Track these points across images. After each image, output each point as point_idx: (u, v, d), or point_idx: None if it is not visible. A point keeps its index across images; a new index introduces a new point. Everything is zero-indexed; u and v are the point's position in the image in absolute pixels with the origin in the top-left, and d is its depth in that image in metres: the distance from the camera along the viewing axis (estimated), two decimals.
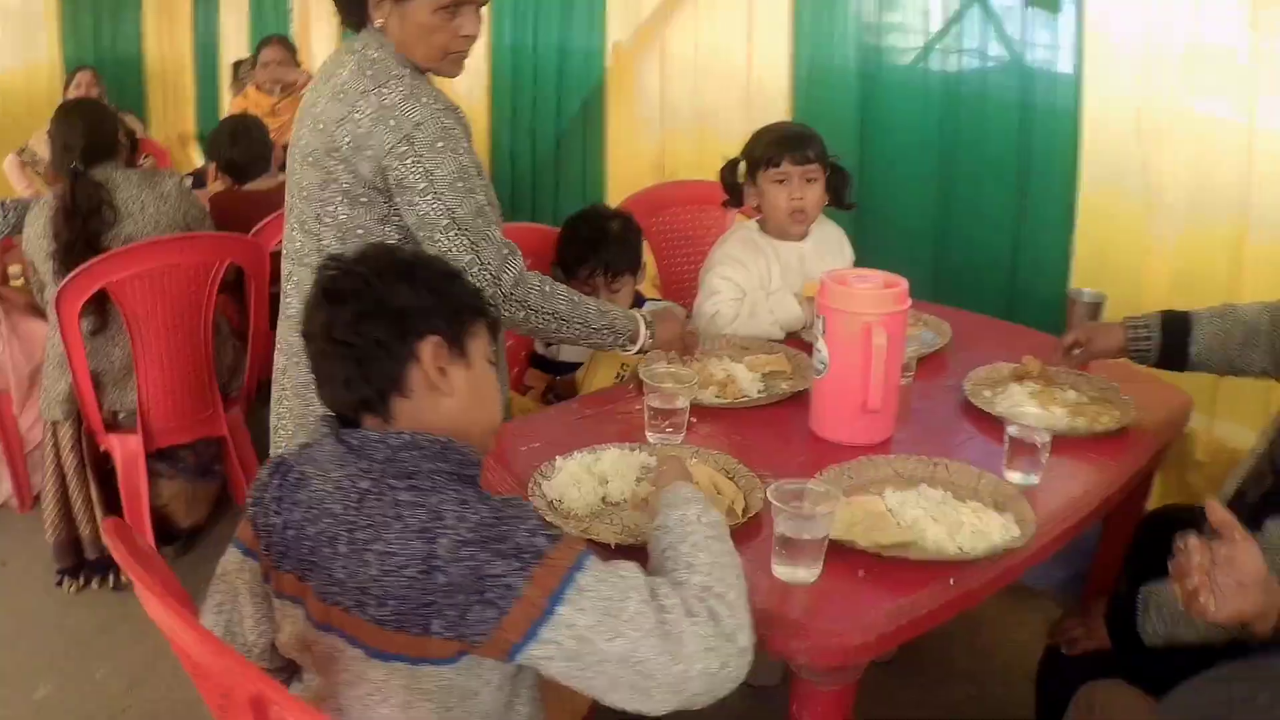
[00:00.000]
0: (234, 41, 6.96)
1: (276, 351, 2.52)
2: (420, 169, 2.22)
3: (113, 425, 3.49)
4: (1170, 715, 1.73)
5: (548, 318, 2.38)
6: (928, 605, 1.77)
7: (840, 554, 1.83)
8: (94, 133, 3.52)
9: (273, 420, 2.52)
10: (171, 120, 7.64)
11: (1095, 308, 2.78)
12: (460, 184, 2.25)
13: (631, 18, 4.75)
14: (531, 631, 1.44)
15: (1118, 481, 2.23)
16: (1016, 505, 2.00)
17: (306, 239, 2.39)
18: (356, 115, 2.24)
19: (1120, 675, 2.00)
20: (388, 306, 1.61)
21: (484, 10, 2.36)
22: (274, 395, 2.52)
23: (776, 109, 4.14)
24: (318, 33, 6.35)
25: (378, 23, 2.31)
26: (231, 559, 1.75)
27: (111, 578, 3.53)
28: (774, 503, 1.77)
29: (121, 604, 3.44)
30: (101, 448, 3.52)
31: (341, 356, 1.61)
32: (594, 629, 1.44)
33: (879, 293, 2.27)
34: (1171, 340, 2.48)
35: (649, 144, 4.84)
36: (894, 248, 2.91)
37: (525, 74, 5.23)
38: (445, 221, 2.25)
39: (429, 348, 1.62)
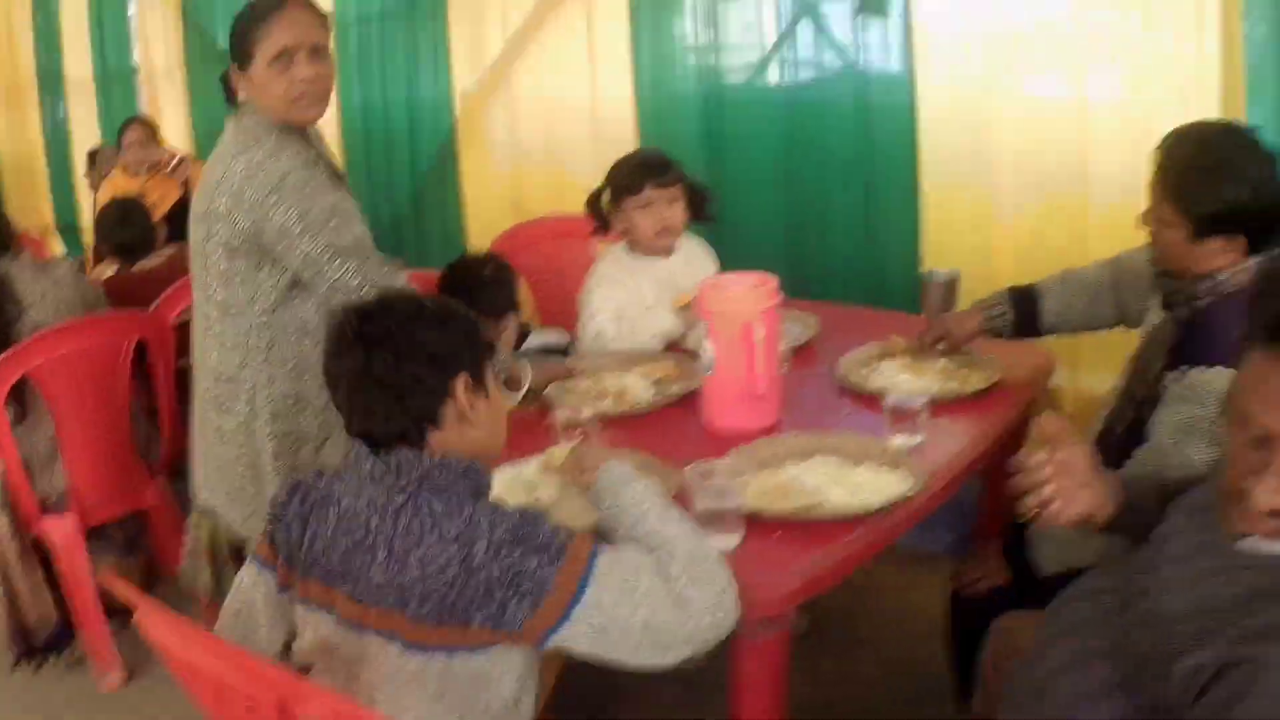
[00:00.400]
0: (85, 130, 6.94)
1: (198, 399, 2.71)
2: (294, 214, 2.41)
3: (44, 509, 3.49)
4: (1051, 629, 1.87)
5: None
6: (841, 554, 1.97)
7: (756, 522, 2.00)
8: None
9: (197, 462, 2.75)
10: (27, 212, 7.55)
11: (950, 285, 2.93)
12: (333, 220, 2.44)
13: (476, 66, 4.86)
14: (565, 615, 1.67)
15: (993, 433, 2.44)
16: (906, 462, 2.18)
17: (198, 289, 2.61)
18: (231, 175, 2.46)
19: (1023, 606, 2.18)
20: (424, 349, 1.79)
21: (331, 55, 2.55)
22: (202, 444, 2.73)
23: (624, 138, 4.29)
24: (168, 117, 6.36)
25: (241, 96, 2.55)
26: (247, 573, 1.94)
27: (65, 654, 3.56)
28: (693, 481, 1.92)
29: (82, 676, 3.50)
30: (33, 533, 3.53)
31: (381, 394, 1.78)
32: (617, 605, 1.68)
33: (753, 291, 2.46)
34: (1023, 312, 2.71)
35: (504, 186, 4.95)
36: (753, 253, 3.08)
37: (377, 131, 5.30)
38: (328, 255, 2.43)
39: (461, 384, 1.81)
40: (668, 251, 3.16)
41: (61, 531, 3.47)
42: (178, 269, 3.88)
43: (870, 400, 2.56)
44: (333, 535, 1.78)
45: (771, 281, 2.47)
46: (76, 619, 3.48)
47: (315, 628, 1.82)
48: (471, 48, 4.89)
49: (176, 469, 3.74)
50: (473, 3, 4.83)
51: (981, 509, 2.93)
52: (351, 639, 1.77)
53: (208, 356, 2.65)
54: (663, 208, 3.07)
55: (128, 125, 5.72)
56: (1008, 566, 2.40)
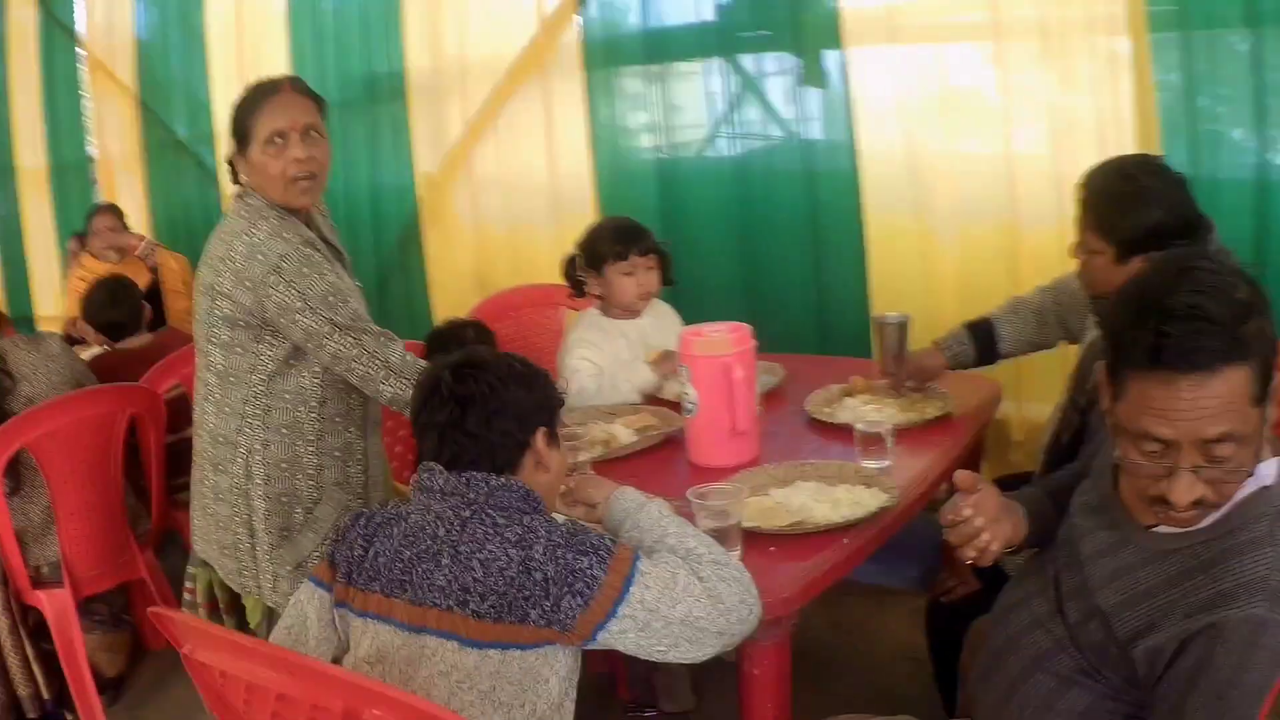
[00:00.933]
0: (38, 219, 6.91)
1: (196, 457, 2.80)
2: (294, 292, 2.54)
3: (37, 582, 3.53)
4: (998, 641, 2.06)
5: None
6: (831, 561, 2.20)
7: (751, 539, 2.23)
8: None
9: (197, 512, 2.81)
10: None
11: (901, 327, 3.13)
12: (332, 298, 2.57)
13: (438, 149, 5.10)
14: (613, 611, 1.85)
15: (952, 454, 2.70)
16: (879, 480, 2.43)
17: (200, 356, 2.72)
18: (233, 254, 2.58)
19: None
20: (513, 406, 2.01)
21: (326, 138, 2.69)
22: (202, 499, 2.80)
23: (583, 211, 4.55)
24: (125, 206, 6.36)
25: (243, 179, 2.68)
26: (304, 591, 2.10)
27: None
28: (695, 503, 2.16)
29: None
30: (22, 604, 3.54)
31: (471, 444, 1.99)
32: (659, 601, 1.86)
33: (730, 336, 2.70)
34: (981, 343, 2.99)
35: (468, 262, 5.18)
36: (712, 312, 3.26)
37: (338, 216, 5.44)
38: (328, 329, 2.57)
39: (541, 437, 2.03)
40: (638, 313, 3.39)
41: (55, 604, 3.49)
42: (162, 348, 4.09)
43: (838, 433, 2.81)
44: (397, 549, 1.95)
45: (745, 328, 2.72)
46: (71, 690, 3.47)
47: (373, 637, 1.95)
48: (433, 131, 5.13)
49: (161, 542, 3.91)
50: (432, 88, 5.06)
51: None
52: (409, 642, 1.91)
53: (205, 419, 2.74)
54: (642, 274, 3.30)
55: (96, 213, 5.79)
56: (976, 576, 2.64)
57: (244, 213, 2.64)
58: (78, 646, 3.50)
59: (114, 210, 5.82)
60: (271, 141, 2.59)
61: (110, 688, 3.75)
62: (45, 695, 3.54)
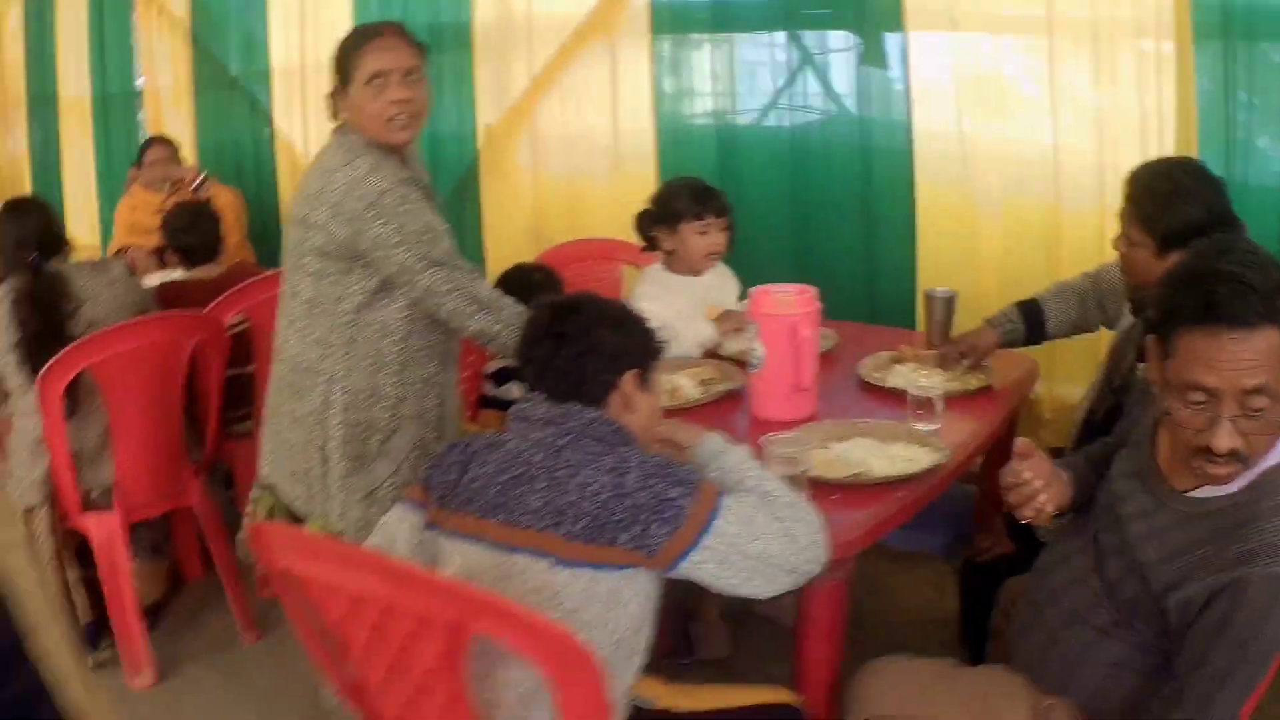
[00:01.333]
0: (77, 151, 6.85)
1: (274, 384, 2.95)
2: (391, 227, 2.66)
3: (87, 505, 3.55)
4: (1039, 593, 2.30)
5: (516, 326, 2.66)
6: (889, 511, 2.43)
7: (816, 488, 2.43)
8: (46, 228, 3.71)
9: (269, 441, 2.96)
10: None
11: (949, 301, 3.36)
12: (427, 235, 2.70)
13: (501, 102, 5.22)
14: (696, 542, 2.00)
15: (995, 422, 2.94)
16: (930, 441, 2.66)
17: (286, 286, 2.85)
18: (331, 188, 2.70)
19: (1024, 572, 2.63)
20: (604, 348, 2.16)
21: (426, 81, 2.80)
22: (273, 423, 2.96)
23: (643, 169, 4.75)
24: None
25: (342, 116, 2.79)
26: (394, 513, 2.23)
27: (96, 652, 3.60)
28: (770, 450, 2.37)
29: (112, 675, 3.50)
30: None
31: (561, 380, 2.15)
32: (739, 536, 2.02)
33: (798, 297, 2.90)
34: (1032, 323, 3.19)
35: (524, 214, 5.30)
36: (763, 276, 3.48)
37: None
38: (422, 265, 2.69)
39: (630, 380, 2.18)
40: (702, 271, 3.57)
41: (104, 527, 3.53)
42: (228, 281, 4.13)
43: (888, 397, 3.03)
44: (494, 473, 2.08)
45: (812, 290, 2.93)
46: (112, 615, 3.52)
47: (462, 557, 2.08)
48: (496, 84, 5.24)
49: (212, 471, 4.00)
50: (497, 42, 5.18)
51: (981, 493, 3.38)
52: (500, 561, 2.03)
53: (287, 346, 2.85)
54: (715, 233, 3.49)
55: (150, 144, 5.81)
56: (1010, 539, 2.86)
57: (342, 149, 2.75)
58: (123, 571, 3.54)
59: (168, 142, 5.83)
60: (372, 82, 2.69)
61: (148, 614, 3.75)
62: (85, 620, 3.60)
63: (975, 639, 2.79)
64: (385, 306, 2.78)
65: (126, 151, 6.27)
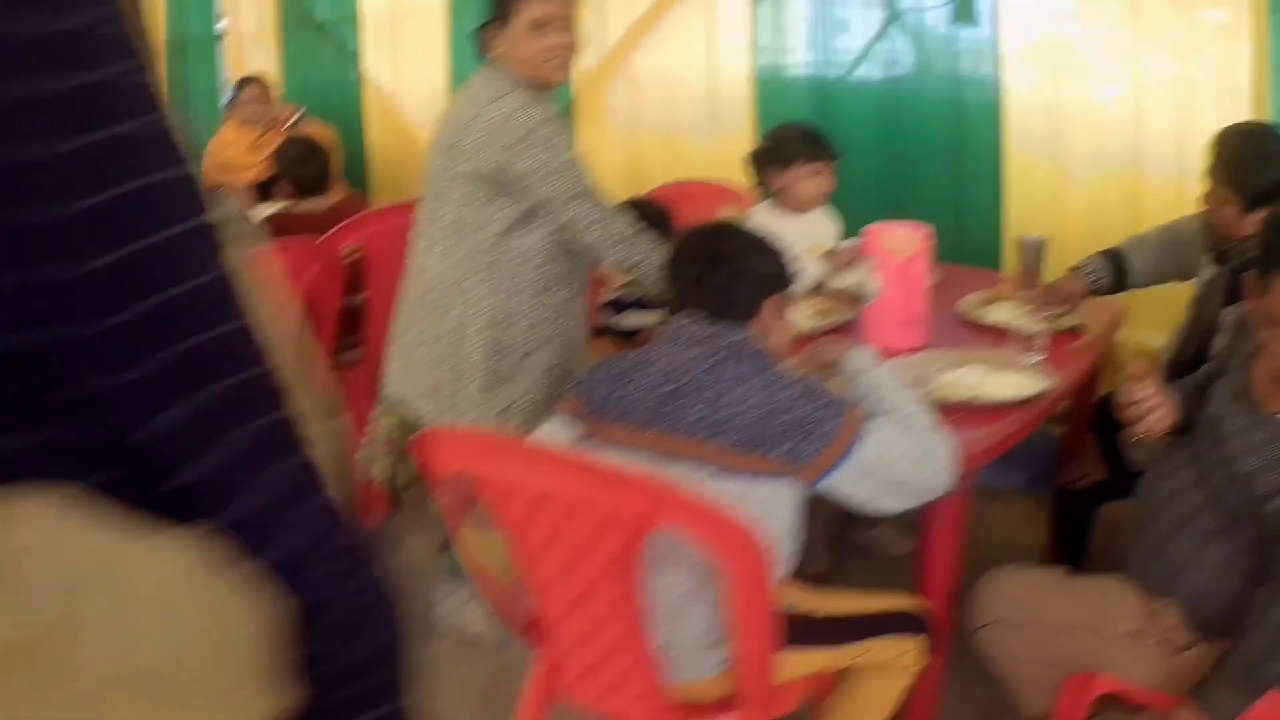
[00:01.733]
0: None
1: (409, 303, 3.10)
2: (541, 159, 2.80)
3: None
4: (1150, 502, 2.56)
5: (654, 263, 2.85)
6: (1004, 432, 2.67)
7: (938, 409, 2.62)
8: None
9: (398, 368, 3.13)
10: None
11: (1040, 246, 3.55)
12: (572, 170, 2.85)
13: (597, 47, 5.29)
14: (839, 463, 2.14)
15: (1088, 358, 3.18)
16: (1036, 371, 2.91)
17: (426, 212, 3.01)
18: (485, 117, 2.84)
19: (1116, 498, 2.90)
20: (752, 272, 2.31)
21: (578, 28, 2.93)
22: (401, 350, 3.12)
23: (741, 118, 4.95)
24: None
25: (497, 50, 2.91)
26: (548, 427, 2.40)
27: None
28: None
29: None
30: None
31: (706, 300, 2.27)
32: (878, 461, 2.16)
33: (913, 233, 3.15)
34: (1117, 272, 3.40)
35: (619, 159, 5.42)
36: (856, 222, 3.74)
37: None
38: (567, 196, 2.83)
39: (771, 305, 2.32)
40: (807, 211, 3.78)
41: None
42: (339, 213, 4.32)
43: (987, 332, 3.28)
44: (651, 387, 2.19)
45: (925, 228, 3.16)
46: None
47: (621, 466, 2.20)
48: (591, 29, 5.13)
49: None
50: None
51: (1071, 428, 3.63)
52: (659, 469, 2.14)
53: (426, 268, 2.98)
54: (825, 176, 3.72)
55: (245, 83, 5.99)
56: (1104, 466, 3.12)
57: (495, 82, 2.88)
58: None
59: (261, 82, 5.99)
60: (534, 28, 2.82)
61: None
62: None
63: (1069, 562, 3.00)
64: (527, 234, 2.92)
65: (208, 93, 6.45)
